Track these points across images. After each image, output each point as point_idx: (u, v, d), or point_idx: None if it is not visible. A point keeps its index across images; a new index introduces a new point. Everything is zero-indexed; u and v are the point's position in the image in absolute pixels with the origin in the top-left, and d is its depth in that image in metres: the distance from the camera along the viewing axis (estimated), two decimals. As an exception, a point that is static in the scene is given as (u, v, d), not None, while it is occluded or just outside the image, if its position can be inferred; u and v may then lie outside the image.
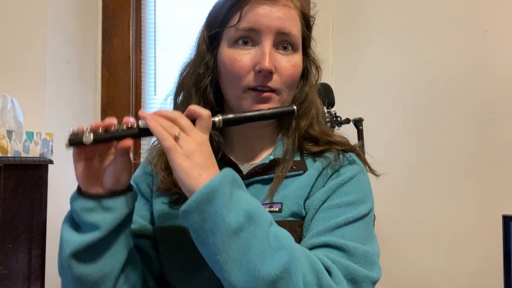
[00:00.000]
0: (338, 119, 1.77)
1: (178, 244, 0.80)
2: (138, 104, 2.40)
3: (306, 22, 0.84)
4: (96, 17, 2.35)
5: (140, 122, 0.68)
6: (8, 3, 1.89)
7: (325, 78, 2.12)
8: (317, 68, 0.88)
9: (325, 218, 0.74)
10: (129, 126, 0.69)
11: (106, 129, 0.68)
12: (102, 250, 0.71)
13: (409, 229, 2.05)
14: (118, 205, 0.71)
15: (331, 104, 1.78)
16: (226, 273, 0.62)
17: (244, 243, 0.62)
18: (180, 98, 0.85)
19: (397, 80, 2.13)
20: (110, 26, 2.36)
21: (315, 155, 0.83)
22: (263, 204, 0.75)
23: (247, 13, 0.77)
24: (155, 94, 2.39)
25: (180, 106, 0.84)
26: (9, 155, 1.51)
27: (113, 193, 0.71)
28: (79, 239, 0.70)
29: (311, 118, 0.84)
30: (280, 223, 0.69)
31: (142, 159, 0.94)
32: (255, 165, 0.82)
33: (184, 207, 0.64)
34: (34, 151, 1.64)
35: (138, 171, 0.90)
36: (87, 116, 2.29)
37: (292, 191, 0.77)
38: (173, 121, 0.67)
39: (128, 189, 0.74)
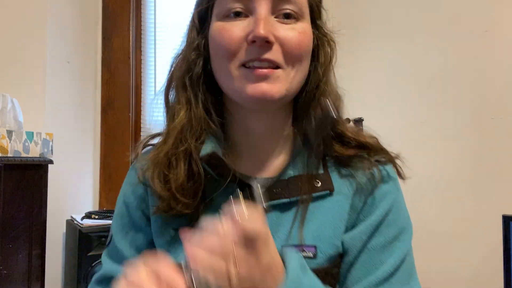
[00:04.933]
0: (338, 119, 1.77)
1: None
2: (138, 104, 2.40)
3: None
4: (96, 17, 2.35)
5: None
6: (8, 3, 1.89)
7: (325, 78, 2.11)
8: (330, 43, 0.72)
9: (370, 265, 0.64)
10: None
11: None
12: None
13: (409, 229, 2.05)
14: None
15: (331, 104, 1.77)
16: None
17: None
18: (173, 94, 0.73)
19: (397, 80, 2.12)
20: (110, 26, 2.36)
21: (340, 164, 0.69)
22: (291, 247, 0.62)
23: None
24: (155, 94, 2.40)
25: (175, 104, 0.70)
26: (9, 155, 1.51)
27: None
28: None
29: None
30: (315, 270, 0.59)
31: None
32: (270, 179, 0.68)
33: None
34: (34, 151, 1.64)
35: (127, 189, 0.75)
36: (87, 116, 2.29)
37: (323, 227, 0.65)
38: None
39: None
